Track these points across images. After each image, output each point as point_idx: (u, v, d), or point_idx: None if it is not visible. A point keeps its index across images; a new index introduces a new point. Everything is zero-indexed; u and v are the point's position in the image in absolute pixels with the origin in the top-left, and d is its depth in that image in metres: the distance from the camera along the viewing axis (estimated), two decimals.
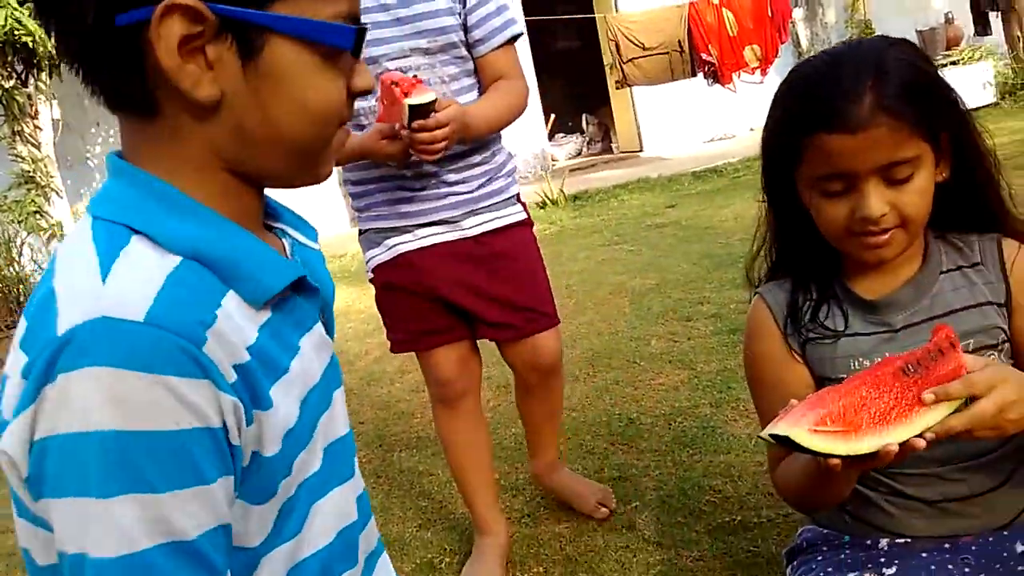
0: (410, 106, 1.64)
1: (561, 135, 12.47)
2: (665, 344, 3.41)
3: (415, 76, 1.78)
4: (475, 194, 1.91)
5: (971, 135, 1.15)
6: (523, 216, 2.03)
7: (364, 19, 1.84)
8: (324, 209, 10.25)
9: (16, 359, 0.64)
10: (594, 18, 9.88)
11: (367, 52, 1.77)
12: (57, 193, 7.46)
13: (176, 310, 0.63)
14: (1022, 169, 5.28)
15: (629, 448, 2.57)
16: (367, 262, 1.98)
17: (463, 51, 1.86)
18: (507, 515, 2.25)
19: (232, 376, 0.65)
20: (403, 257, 1.90)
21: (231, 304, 0.68)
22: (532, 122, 10.36)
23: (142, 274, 0.64)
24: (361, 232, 1.97)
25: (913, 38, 10.62)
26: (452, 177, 1.88)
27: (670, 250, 5.19)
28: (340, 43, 0.70)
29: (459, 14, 1.83)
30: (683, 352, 3.28)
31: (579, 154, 12.43)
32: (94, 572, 0.60)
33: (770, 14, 8.62)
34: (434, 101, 1.67)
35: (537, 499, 2.37)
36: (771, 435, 0.91)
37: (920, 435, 0.91)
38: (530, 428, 2.26)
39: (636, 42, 8.42)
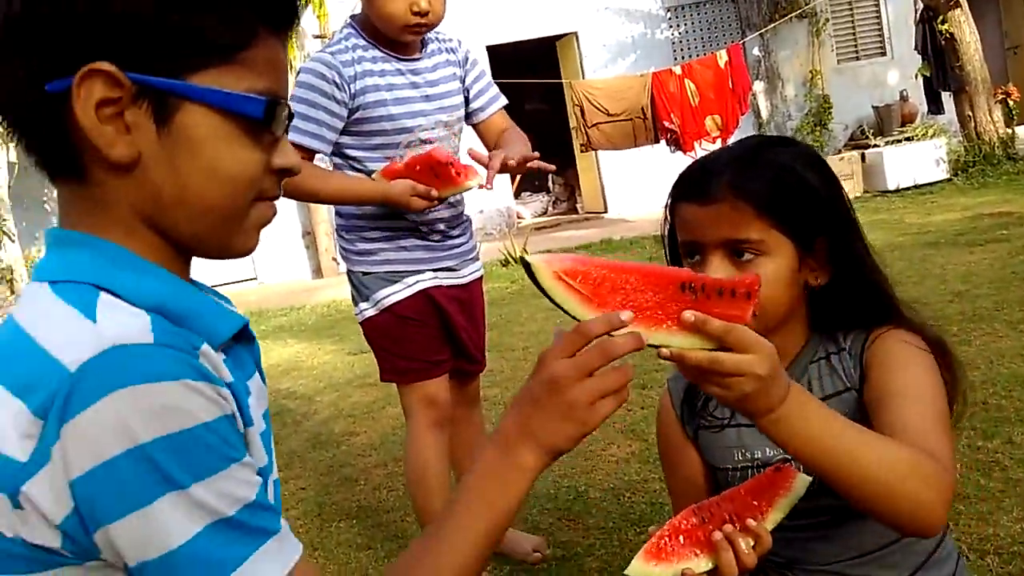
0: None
1: (527, 193, 12.57)
2: (618, 412, 3.36)
3: (451, 152, 2.13)
4: (467, 247, 2.27)
5: (849, 242, 1.15)
6: (483, 270, 2.43)
7: (397, 95, 2.07)
8: (284, 258, 10.16)
9: (2, 402, 0.66)
10: (560, 83, 10.05)
11: (402, 123, 2.08)
12: (9, 237, 7.31)
13: (172, 338, 0.68)
14: (973, 245, 5.39)
15: (576, 525, 2.50)
16: (377, 300, 2.15)
17: (463, 124, 2.25)
18: None
19: (227, 380, 0.72)
20: (423, 293, 2.15)
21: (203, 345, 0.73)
22: (498, 180, 10.42)
23: (127, 316, 0.68)
24: (366, 274, 2.16)
25: (869, 113, 10.98)
26: (454, 232, 2.22)
27: None
28: (250, 112, 0.72)
29: (462, 90, 2.22)
30: (635, 421, 3.23)
31: (545, 213, 12.53)
32: (188, 556, 0.64)
33: (731, 86, 8.83)
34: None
35: None
36: (521, 258, 0.88)
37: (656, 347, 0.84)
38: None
39: (600, 108, 8.56)
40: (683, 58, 10.66)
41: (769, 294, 1.10)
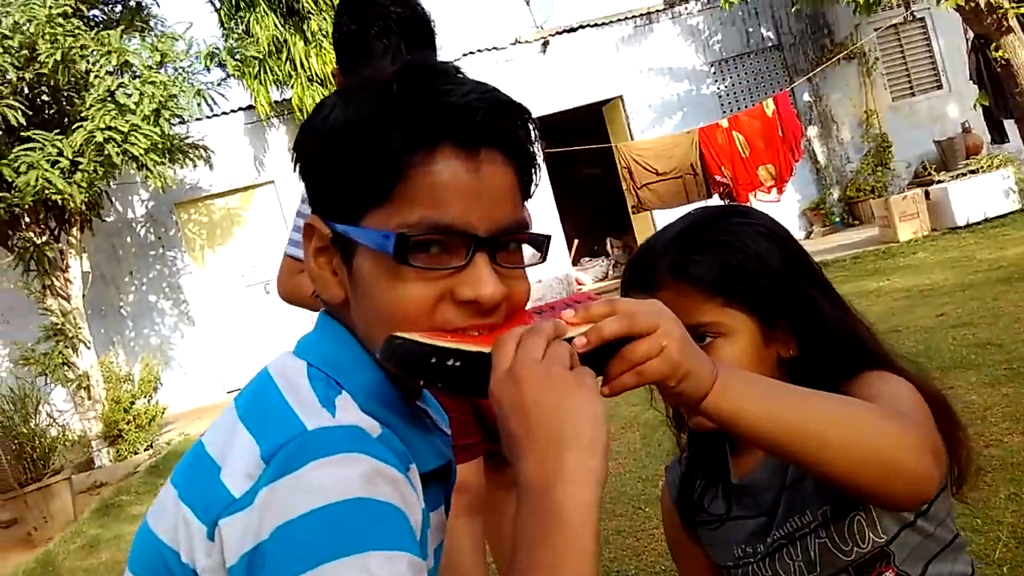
0: None
1: (587, 259, 12.55)
2: None
3: None
4: None
5: (809, 310, 1.05)
6: None
7: None
8: None
9: (242, 441, 0.70)
10: (609, 147, 10.10)
11: None
12: (85, 344, 7.59)
13: (394, 444, 0.72)
14: None
15: None
16: None
17: None
18: None
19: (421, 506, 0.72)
20: None
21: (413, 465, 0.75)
22: (555, 248, 10.46)
23: (360, 416, 0.72)
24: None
25: (931, 149, 10.68)
26: None
27: None
28: (383, 249, 0.72)
29: None
30: None
31: (605, 277, 12.45)
32: None
33: (781, 134, 8.71)
34: None
35: None
36: (383, 341, 0.71)
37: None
38: (505, 563, 2.25)
39: (649, 168, 8.55)
40: (731, 111, 10.60)
41: None
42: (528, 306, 0.78)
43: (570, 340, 0.70)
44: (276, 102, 9.72)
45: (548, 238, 0.79)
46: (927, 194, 8.90)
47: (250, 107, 9.96)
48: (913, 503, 0.95)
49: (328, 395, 0.72)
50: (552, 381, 0.66)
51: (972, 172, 9.24)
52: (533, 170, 0.78)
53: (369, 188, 0.73)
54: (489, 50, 10.93)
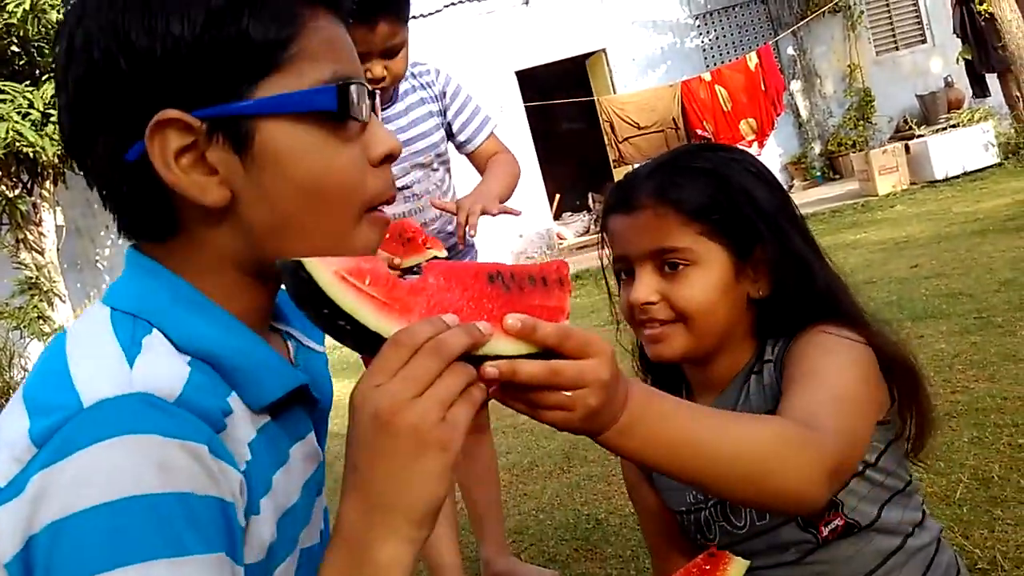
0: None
1: (568, 213, 12.51)
2: None
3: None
4: None
5: (789, 249, 1.05)
6: None
7: None
8: None
9: (15, 418, 0.61)
10: (591, 100, 10.01)
11: None
12: (60, 298, 7.53)
13: (200, 398, 0.63)
14: (1023, 230, 5.14)
15: (593, 554, 2.41)
16: None
17: (447, 155, 2.17)
18: None
19: (242, 466, 0.64)
20: None
21: (236, 404, 0.67)
22: (537, 202, 10.41)
23: (165, 367, 0.63)
24: None
25: (914, 103, 10.67)
26: None
27: None
28: (323, 105, 0.66)
29: (442, 124, 2.14)
30: None
31: (587, 232, 12.44)
32: None
33: (763, 88, 8.67)
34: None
35: None
36: (284, 264, 0.63)
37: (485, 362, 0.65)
38: (475, 506, 2.33)
39: (630, 122, 8.50)
40: (715, 65, 10.51)
41: (702, 306, 1.04)
42: (508, 261, 0.73)
43: (482, 359, 0.63)
44: None
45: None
46: (907, 148, 8.91)
47: None
48: (803, 514, 1.00)
49: (135, 336, 0.65)
50: (413, 440, 0.60)
51: (953, 126, 9.26)
52: None
53: (264, 49, 0.65)
54: (471, 1, 10.75)
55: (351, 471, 0.62)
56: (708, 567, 0.94)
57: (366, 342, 0.63)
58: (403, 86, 2.08)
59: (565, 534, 2.57)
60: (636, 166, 1.15)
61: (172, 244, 0.70)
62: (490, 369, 0.63)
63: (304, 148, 0.66)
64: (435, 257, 2.03)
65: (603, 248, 1.16)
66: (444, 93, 2.17)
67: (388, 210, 2.26)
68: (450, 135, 2.19)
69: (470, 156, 2.25)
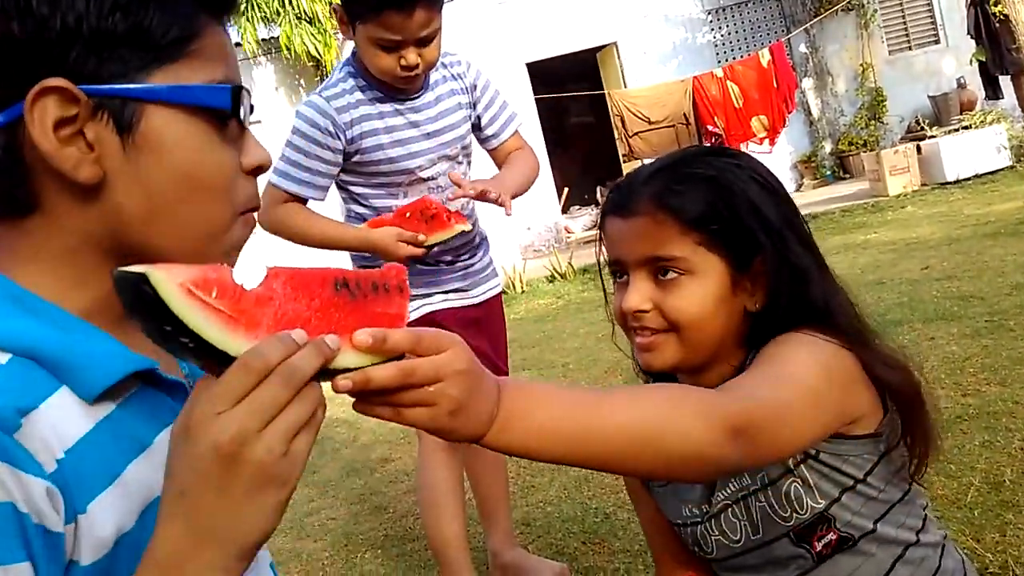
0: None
1: (576, 207, 12.49)
2: None
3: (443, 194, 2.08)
4: (479, 266, 2.21)
5: (790, 260, 1.02)
6: (502, 285, 2.37)
7: (396, 137, 2.02)
8: None
9: None
10: (603, 94, 9.98)
11: (402, 164, 2.03)
12: None
13: (9, 383, 0.61)
14: None
15: (601, 548, 2.41)
16: None
17: (471, 147, 2.18)
18: None
19: (52, 466, 0.61)
20: (428, 317, 2.10)
21: (63, 399, 0.64)
22: (545, 196, 10.39)
23: None
24: None
25: (926, 104, 10.61)
26: (465, 255, 2.18)
27: None
28: (217, 103, 0.68)
29: (470, 116, 2.14)
30: None
31: (594, 226, 12.41)
32: None
33: (775, 85, 8.63)
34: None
35: None
36: (118, 274, 0.59)
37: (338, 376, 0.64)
38: (484, 497, 2.34)
39: (641, 116, 8.47)
40: (727, 61, 10.46)
41: (695, 318, 1.01)
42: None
43: (334, 372, 0.62)
44: (263, 40, 9.52)
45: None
46: (919, 149, 8.88)
47: (237, 44, 9.75)
48: (714, 478, 1.00)
49: None
50: (256, 475, 0.57)
51: (965, 128, 9.21)
52: None
53: (166, 41, 0.66)
54: None
55: (177, 496, 0.59)
56: None
57: (209, 358, 0.59)
58: (433, 76, 2.07)
59: (572, 527, 2.57)
60: (640, 164, 1.13)
61: (28, 224, 0.68)
62: (343, 382, 0.62)
63: (187, 140, 0.67)
64: (463, 232, 2.04)
65: (600, 248, 1.13)
66: (475, 86, 2.16)
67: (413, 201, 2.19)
68: (475, 128, 2.18)
69: (493, 151, 2.24)
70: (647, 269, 1.02)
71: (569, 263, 8.07)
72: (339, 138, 1.97)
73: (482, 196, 1.97)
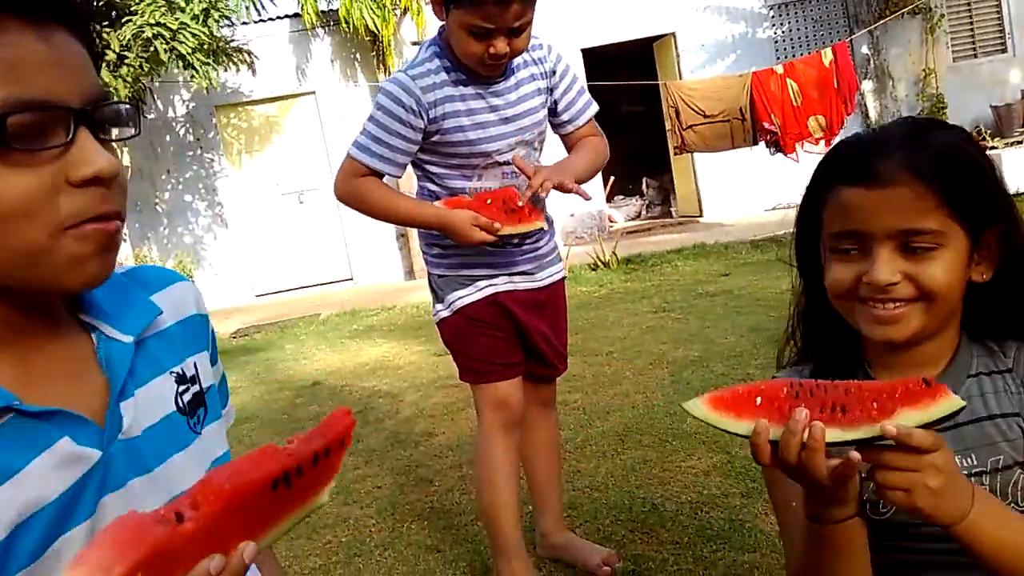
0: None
1: (621, 197, 12.42)
2: (701, 423, 3.24)
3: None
4: (545, 250, 2.24)
5: (1019, 233, 1.02)
6: (565, 271, 2.41)
7: (477, 120, 2.03)
8: (380, 260, 10.35)
9: None
10: (657, 85, 9.88)
11: (480, 148, 2.04)
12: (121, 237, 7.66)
13: None
14: None
15: (649, 537, 2.41)
16: (451, 302, 2.16)
17: (545, 133, 2.20)
18: None
19: None
20: (494, 297, 2.15)
21: None
22: (591, 183, 10.34)
23: None
24: (441, 276, 2.18)
25: (988, 114, 10.36)
26: (531, 238, 2.18)
27: (718, 320, 5.02)
28: None
29: (547, 102, 2.15)
30: (719, 434, 3.09)
31: (638, 216, 12.35)
32: None
33: (836, 85, 8.47)
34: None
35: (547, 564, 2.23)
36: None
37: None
38: (537, 479, 2.38)
39: (696, 109, 8.36)
40: (786, 58, 10.30)
41: (947, 282, 1.00)
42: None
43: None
44: (323, 12, 9.55)
45: (138, 107, 0.70)
46: None
47: (296, 15, 9.80)
48: None
49: None
50: None
51: None
52: (97, 43, 0.74)
53: None
54: None
55: None
56: (916, 389, 0.87)
57: None
58: (515, 60, 2.07)
59: (620, 515, 2.58)
60: (866, 131, 1.08)
61: None
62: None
63: None
64: (540, 229, 2.07)
65: (822, 228, 1.07)
66: (555, 71, 2.17)
67: (486, 184, 2.25)
68: (551, 113, 2.18)
69: (566, 136, 2.24)
70: (894, 242, 0.99)
71: (613, 252, 8.03)
72: (422, 117, 1.99)
73: (561, 188, 1.99)
